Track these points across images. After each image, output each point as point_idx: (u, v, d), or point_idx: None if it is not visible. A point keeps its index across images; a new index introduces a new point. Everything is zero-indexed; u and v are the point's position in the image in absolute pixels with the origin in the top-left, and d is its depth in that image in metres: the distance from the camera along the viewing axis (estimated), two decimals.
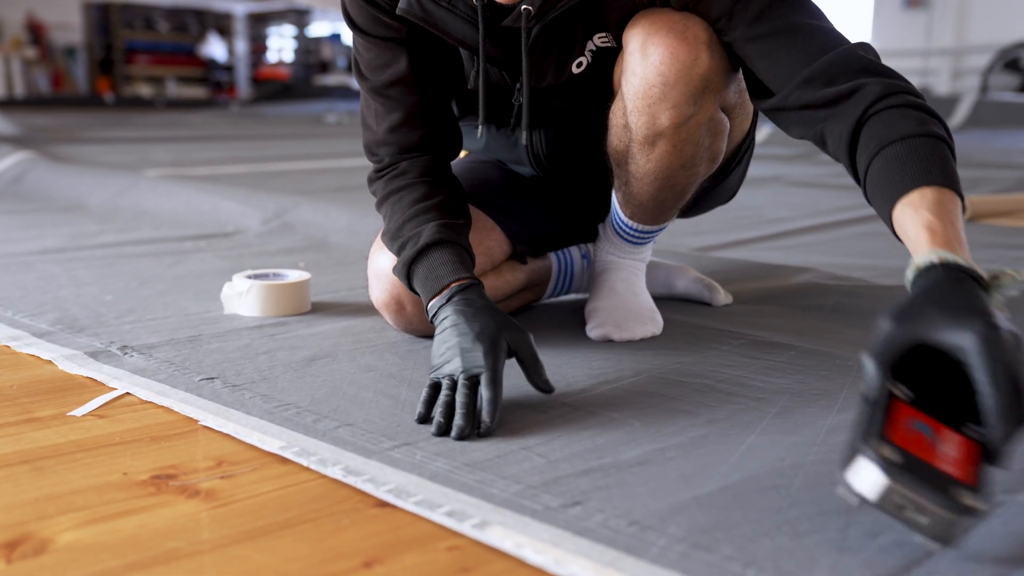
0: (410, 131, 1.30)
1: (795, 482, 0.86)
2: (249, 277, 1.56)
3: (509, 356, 1.07)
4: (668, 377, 1.19)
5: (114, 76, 15.12)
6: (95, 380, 1.19)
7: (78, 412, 1.08)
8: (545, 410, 1.06)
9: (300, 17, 16.28)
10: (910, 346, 0.78)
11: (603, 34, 1.25)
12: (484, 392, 1.01)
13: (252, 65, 16.94)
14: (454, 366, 1.06)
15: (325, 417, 1.04)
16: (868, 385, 0.77)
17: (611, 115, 1.28)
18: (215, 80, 16.21)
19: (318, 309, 1.58)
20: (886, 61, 1.14)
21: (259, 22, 16.93)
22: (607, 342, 1.36)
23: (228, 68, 16.50)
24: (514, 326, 1.09)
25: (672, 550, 0.73)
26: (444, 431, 0.98)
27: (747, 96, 1.30)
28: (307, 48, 16.54)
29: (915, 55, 10.02)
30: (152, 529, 0.79)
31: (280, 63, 16.89)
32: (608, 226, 1.44)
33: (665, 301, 1.56)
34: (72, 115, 9.11)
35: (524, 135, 1.31)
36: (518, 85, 1.30)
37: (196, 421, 1.05)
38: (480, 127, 1.29)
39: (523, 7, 1.17)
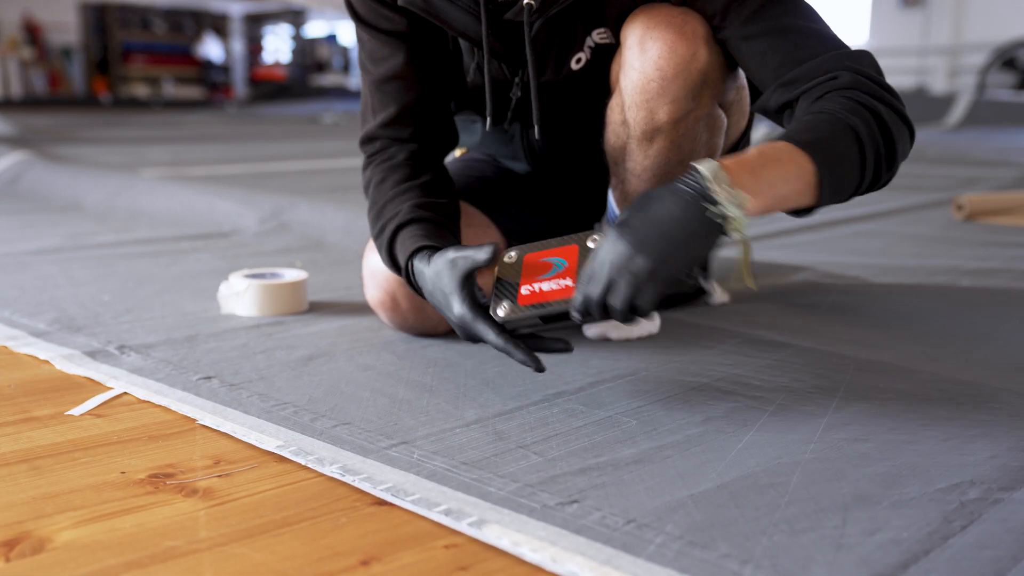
0: (403, 128, 1.30)
1: (792, 480, 0.87)
2: (246, 277, 1.56)
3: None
4: (665, 376, 1.20)
5: (110, 76, 15.12)
6: (93, 379, 1.19)
7: (76, 411, 1.08)
8: (542, 409, 1.07)
9: (296, 17, 16.28)
10: None
11: (602, 30, 1.25)
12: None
13: (248, 65, 16.94)
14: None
15: (322, 416, 1.05)
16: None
17: (608, 112, 1.27)
18: (211, 80, 16.20)
19: (315, 308, 1.58)
20: (883, 60, 1.14)
21: (255, 22, 16.93)
22: (604, 340, 1.36)
23: (224, 68, 16.50)
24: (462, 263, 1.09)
25: (669, 548, 0.74)
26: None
27: (745, 94, 1.30)
28: (303, 48, 16.54)
29: (912, 53, 10.04)
30: (150, 528, 0.79)
31: (276, 63, 16.89)
32: (604, 225, 1.44)
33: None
34: (69, 115, 9.11)
35: (535, 130, 1.29)
36: (516, 79, 1.30)
37: (194, 420, 1.05)
38: (488, 119, 1.27)
39: (525, 1, 1.17)
